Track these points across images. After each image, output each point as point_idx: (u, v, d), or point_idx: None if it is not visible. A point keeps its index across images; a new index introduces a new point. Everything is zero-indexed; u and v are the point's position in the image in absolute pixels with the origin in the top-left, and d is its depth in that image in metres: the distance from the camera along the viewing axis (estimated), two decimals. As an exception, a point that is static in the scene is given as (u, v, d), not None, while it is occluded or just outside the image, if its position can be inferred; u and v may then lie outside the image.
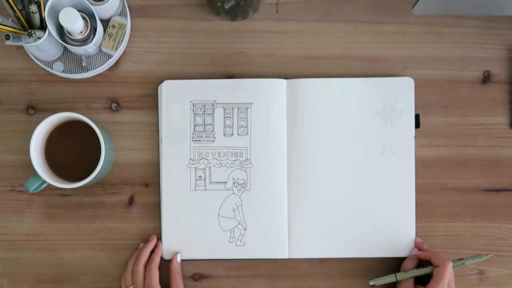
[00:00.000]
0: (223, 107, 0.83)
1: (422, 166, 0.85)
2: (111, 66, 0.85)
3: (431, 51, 0.86)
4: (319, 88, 0.83)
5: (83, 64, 0.82)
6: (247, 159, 0.83)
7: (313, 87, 0.83)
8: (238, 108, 0.83)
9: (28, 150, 0.76)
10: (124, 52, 0.85)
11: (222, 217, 0.83)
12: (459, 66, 0.86)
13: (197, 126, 0.83)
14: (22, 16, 0.77)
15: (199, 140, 0.83)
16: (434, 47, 0.86)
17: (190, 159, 0.83)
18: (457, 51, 0.86)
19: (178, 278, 0.81)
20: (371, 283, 0.81)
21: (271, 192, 0.83)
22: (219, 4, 0.83)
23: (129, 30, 0.84)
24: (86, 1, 0.77)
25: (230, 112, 0.83)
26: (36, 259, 0.84)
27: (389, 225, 0.83)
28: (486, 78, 0.86)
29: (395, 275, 0.80)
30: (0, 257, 0.84)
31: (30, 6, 0.74)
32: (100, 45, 0.82)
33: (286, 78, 0.84)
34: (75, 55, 0.83)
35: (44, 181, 0.77)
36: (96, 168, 0.76)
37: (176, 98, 0.83)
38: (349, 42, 0.85)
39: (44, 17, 0.76)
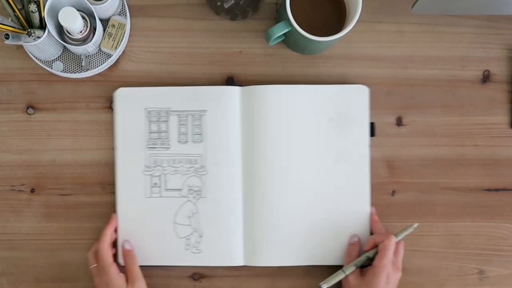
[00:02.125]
0: (177, 115, 0.83)
1: (422, 166, 0.85)
2: (110, 66, 0.85)
3: (431, 51, 0.86)
4: (273, 95, 0.83)
5: (83, 64, 0.82)
6: (202, 166, 0.83)
7: (266, 94, 0.83)
8: (192, 116, 0.83)
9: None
10: (123, 51, 0.85)
11: (177, 224, 0.83)
12: (459, 66, 0.86)
13: (152, 134, 0.83)
14: (22, 16, 0.77)
15: (154, 148, 0.83)
16: (434, 46, 0.86)
17: (145, 166, 0.83)
18: (457, 50, 0.86)
19: (132, 266, 0.80)
20: (324, 286, 0.79)
21: (226, 199, 0.82)
22: (218, 3, 0.83)
23: (129, 29, 0.84)
24: (86, 1, 0.77)
25: (184, 120, 0.83)
26: (35, 259, 0.84)
27: (343, 233, 0.83)
28: (486, 78, 0.86)
29: (343, 271, 0.79)
30: (0, 256, 0.84)
31: (29, 6, 0.74)
32: (100, 44, 0.82)
33: (240, 85, 0.84)
34: (74, 54, 0.83)
35: (290, 29, 0.75)
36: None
37: (131, 105, 0.83)
38: (349, 41, 0.85)
39: (44, 17, 0.76)
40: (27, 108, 0.85)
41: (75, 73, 0.83)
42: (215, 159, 0.83)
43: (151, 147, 0.83)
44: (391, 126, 0.85)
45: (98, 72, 0.84)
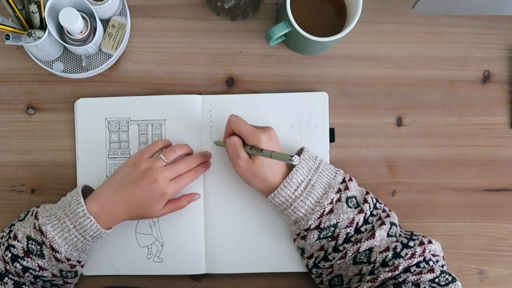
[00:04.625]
0: (137, 124, 0.83)
1: (422, 166, 0.85)
2: (111, 66, 0.85)
3: (431, 51, 0.86)
4: (234, 104, 0.83)
5: (83, 64, 0.83)
6: None
7: (227, 103, 0.83)
8: (152, 125, 0.83)
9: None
10: (124, 52, 0.85)
11: (139, 233, 0.83)
12: (459, 66, 0.86)
13: (113, 143, 0.83)
14: (22, 16, 0.77)
15: (115, 157, 0.83)
16: (434, 47, 0.86)
17: (106, 176, 0.83)
18: (457, 51, 0.86)
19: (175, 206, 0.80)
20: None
21: (188, 208, 0.82)
22: (219, 4, 0.83)
23: (129, 30, 0.84)
24: (86, 1, 0.77)
25: (144, 129, 0.83)
26: (36, 259, 0.84)
27: None
28: (486, 78, 0.86)
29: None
30: (0, 257, 0.84)
31: (30, 6, 0.74)
32: (100, 45, 0.82)
33: (200, 94, 0.84)
34: (75, 55, 0.83)
35: (291, 30, 0.75)
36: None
37: (91, 115, 0.83)
38: (349, 41, 0.85)
39: (44, 17, 0.76)
40: (28, 108, 0.85)
41: (75, 73, 0.83)
42: None
43: (112, 157, 0.83)
44: (391, 126, 0.86)
45: (99, 72, 0.84)
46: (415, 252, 0.72)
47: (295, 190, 0.76)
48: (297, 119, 0.84)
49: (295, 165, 0.75)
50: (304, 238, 0.77)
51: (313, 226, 0.76)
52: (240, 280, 0.84)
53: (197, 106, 0.83)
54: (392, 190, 0.85)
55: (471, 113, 0.86)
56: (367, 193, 0.79)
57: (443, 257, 0.76)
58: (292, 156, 0.68)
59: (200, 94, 0.84)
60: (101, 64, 0.83)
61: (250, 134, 0.75)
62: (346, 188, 0.77)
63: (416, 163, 0.85)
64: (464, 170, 0.86)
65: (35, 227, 0.74)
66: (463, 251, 0.85)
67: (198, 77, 0.85)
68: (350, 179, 0.79)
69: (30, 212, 0.76)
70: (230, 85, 0.85)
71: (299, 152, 0.80)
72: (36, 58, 0.82)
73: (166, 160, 0.77)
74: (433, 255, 0.75)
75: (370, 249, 0.74)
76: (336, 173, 0.79)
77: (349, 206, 0.76)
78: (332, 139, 0.84)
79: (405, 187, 0.85)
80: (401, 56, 0.86)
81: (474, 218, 0.85)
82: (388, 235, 0.75)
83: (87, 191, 0.79)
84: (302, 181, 0.76)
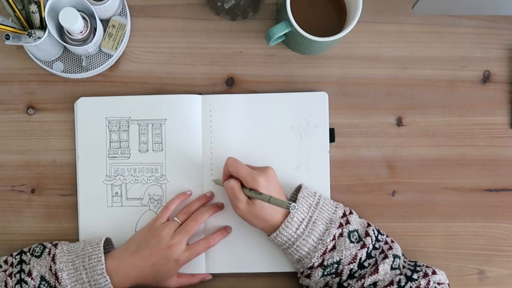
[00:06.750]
0: (137, 124, 0.83)
1: (422, 166, 0.85)
2: (111, 66, 0.85)
3: (431, 51, 0.86)
4: (234, 104, 0.83)
5: (83, 64, 0.83)
6: (162, 175, 0.83)
7: (227, 103, 0.83)
8: (152, 124, 0.83)
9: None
10: (124, 52, 0.85)
11: None
12: (459, 66, 0.86)
13: (113, 143, 0.83)
14: (22, 16, 0.77)
15: (115, 157, 0.83)
16: (434, 47, 0.86)
17: (106, 175, 0.83)
18: (457, 51, 0.86)
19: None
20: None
21: None
22: (219, 4, 0.83)
23: (129, 30, 0.84)
24: (86, 1, 0.77)
25: (144, 129, 0.83)
26: (36, 259, 0.84)
27: None
28: (486, 78, 0.86)
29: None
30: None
31: (30, 6, 0.74)
32: (100, 45, 0.82)
33: (200, 94, 0.84)
34: (75, 55, 0.83)
35: (291, 30, 0.75)
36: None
37: (92, 115, 0.83)
38: (349, 41, 0.85)
39: (44, 17, 0.76)
40: (28, 108, 0.85)
41: (75, 73, 0.83)
42: (175, 168, 0.83)
43: (112, 157, 0.83)
44: (391, 126, 0.86)
45: (99, 72, 0.84)
46: (420, 285, 0.72)
47: (297, 229, 0.75)
48: (297, 119, 0.84)
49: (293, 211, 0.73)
50: (308, 276, 0.77)
51: (316, 264, 0.76)
52: (240, 280, 0.84)
53: (197, 106, 0.83)
54: (392, 190, 0.85)
55: (471, 113, 0.86)
56: (369, 225, 0.78)
57: (448, 284, 0.76)
58: (290, 204, 0.68)
59: (200, 94, 0.84)
60: (101, 64, 0.83)
61: (247, 177, 0.75)
62: (347, 222, 0.77)
63: (416, 163, 0.85)
64: (464, 170, 0.86)
65: (51, 270, 0.74)
66: (463, 251, 0.85)
67: (198, 77, 0.85)
68: (351, 212, 0.79)
69: (47, 250, 0.76)
70: (230, 85, 0.85)
71: (298, 189, 0.80)
72: (36, 58, 0.82)
73: (179, 221, 0.78)
74: (438, 284, 0.75)
75: (375, 284, 0.74)
76: (336, 207, 0.78)
77: (351, 241, 0.76)
78: (332, 139, 0.84)
79: (405, 187, 0.85)
80: (401, 56, 0.86)
81: (474, 218, 0.85)
82: (392, 268, 0.74)
83: (105, 242, 0.79)
84: (304, 219, 0.76)
